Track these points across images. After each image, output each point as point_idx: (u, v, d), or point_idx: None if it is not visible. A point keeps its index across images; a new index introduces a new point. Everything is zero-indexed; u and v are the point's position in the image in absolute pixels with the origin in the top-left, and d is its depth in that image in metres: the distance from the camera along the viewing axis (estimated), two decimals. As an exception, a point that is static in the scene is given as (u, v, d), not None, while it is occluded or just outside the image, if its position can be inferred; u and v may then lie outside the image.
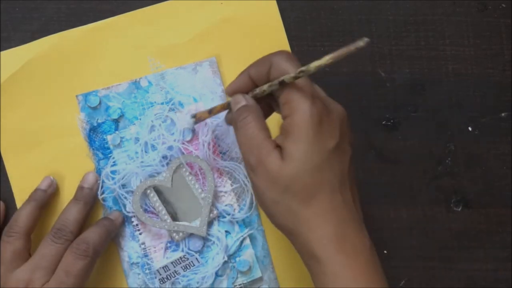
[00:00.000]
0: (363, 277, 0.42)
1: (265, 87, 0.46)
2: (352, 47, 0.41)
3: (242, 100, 0.46)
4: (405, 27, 0.58)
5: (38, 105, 0.55)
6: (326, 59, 0.42)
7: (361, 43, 0.40)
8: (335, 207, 0.43)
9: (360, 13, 0.57)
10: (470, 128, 0.58)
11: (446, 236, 0.57)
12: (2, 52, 0.55)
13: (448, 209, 0.57)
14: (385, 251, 0.57)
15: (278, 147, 0.44)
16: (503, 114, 0.58)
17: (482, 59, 0.58)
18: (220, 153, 0.55)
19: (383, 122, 0.57)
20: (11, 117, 0.55)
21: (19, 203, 0.55)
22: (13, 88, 0.55)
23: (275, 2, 0.56)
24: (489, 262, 0.57)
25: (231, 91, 0.48)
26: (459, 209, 0.57)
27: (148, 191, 0.54)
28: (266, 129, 0.45)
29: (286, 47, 0.56)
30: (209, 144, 0.54)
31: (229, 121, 0.50)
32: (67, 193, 0.55)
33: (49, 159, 0.55)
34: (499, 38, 0.58)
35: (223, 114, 0.51)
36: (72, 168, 0.55)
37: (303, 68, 0.43)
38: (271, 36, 0.57)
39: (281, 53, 0.46)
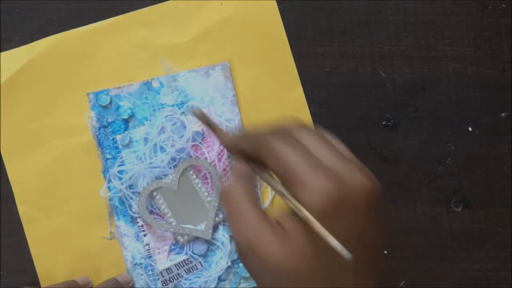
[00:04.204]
0: None
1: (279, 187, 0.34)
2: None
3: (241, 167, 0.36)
4: (405, 27, 0.58)
5: (39, 106, 0.55)
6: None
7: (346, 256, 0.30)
8: None
9: (360, 13, 0.57)
10: (470, 128, 0.58)
11: (446, 236, 0.57)
12: (2, 53, 0.55)
13: (448, 209, 0.57)
14: (385, 251, 0.56)
15: (278, 224, 0.34)
16: (503, 114, 0.58)
17: (482, 59, 0.58)
18: (228, 157, 0.55)
19: (383, 122, 0.57)
20: (11, 118, 0.55)
21: (19, 204, 0.55)
22: (13, 89, 0.55)
23: (274, 2, 0.56)
24: (489, 262, 0.57)
25: (233, 142, 0.37)
26: (459, 209, 0.57)
27: (155, 193, 0.54)
28: (257, 203, 0.35)
29: (286, 47, 0.56)
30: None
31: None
32: (70, 195, 0.55)
33: (50, 159, 0.55)
34: (499, 38, 0.58)
35: (233, 118, 0.51)
36: (75, 168, 0.55)
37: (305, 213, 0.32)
38: (270, 36, 0.57)
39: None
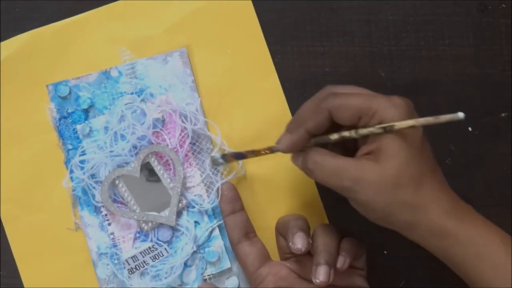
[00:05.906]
0: (491, 231, 0.47)
1: (352, 133, 0.46)
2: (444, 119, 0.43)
3: (300, 159, 0.48)
4: (405, 27, 0.58)
5: (15, 103, 0.55)
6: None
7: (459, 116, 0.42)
8: (440, 186, 0.46)
9: (360, 13, 0.57)
10: (470, 128, 0.58)
11: (446, 236, 0.57)
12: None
13: (448, 209, 0.57)
14: (385, 251, 0.56)
15: (365, 155, 0.46)
16: (503, 114, 0.58)
17: (482, 59, 0.58)
18: (190, 143, 0.55)
19: (383, 122, 0.57)
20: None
21: (1, 202, 0.55)
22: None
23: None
24: (489, 262, 0.57)
25: (289, 148, 0.48)
26: (459, 209, 0.57)
27: (117, 181, 0.54)
28: (340, 156, 0.46)
29: (259, 33, 0.56)
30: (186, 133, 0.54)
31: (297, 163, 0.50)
32: (47, 190, 0.55)
33: (29, 156, 0.55)
34: (499, 38, 0.58)
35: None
36: (52, 163, 0.55)
37: (411, 122, 0.45)
38: (243, 24, 0.56)
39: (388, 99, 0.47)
